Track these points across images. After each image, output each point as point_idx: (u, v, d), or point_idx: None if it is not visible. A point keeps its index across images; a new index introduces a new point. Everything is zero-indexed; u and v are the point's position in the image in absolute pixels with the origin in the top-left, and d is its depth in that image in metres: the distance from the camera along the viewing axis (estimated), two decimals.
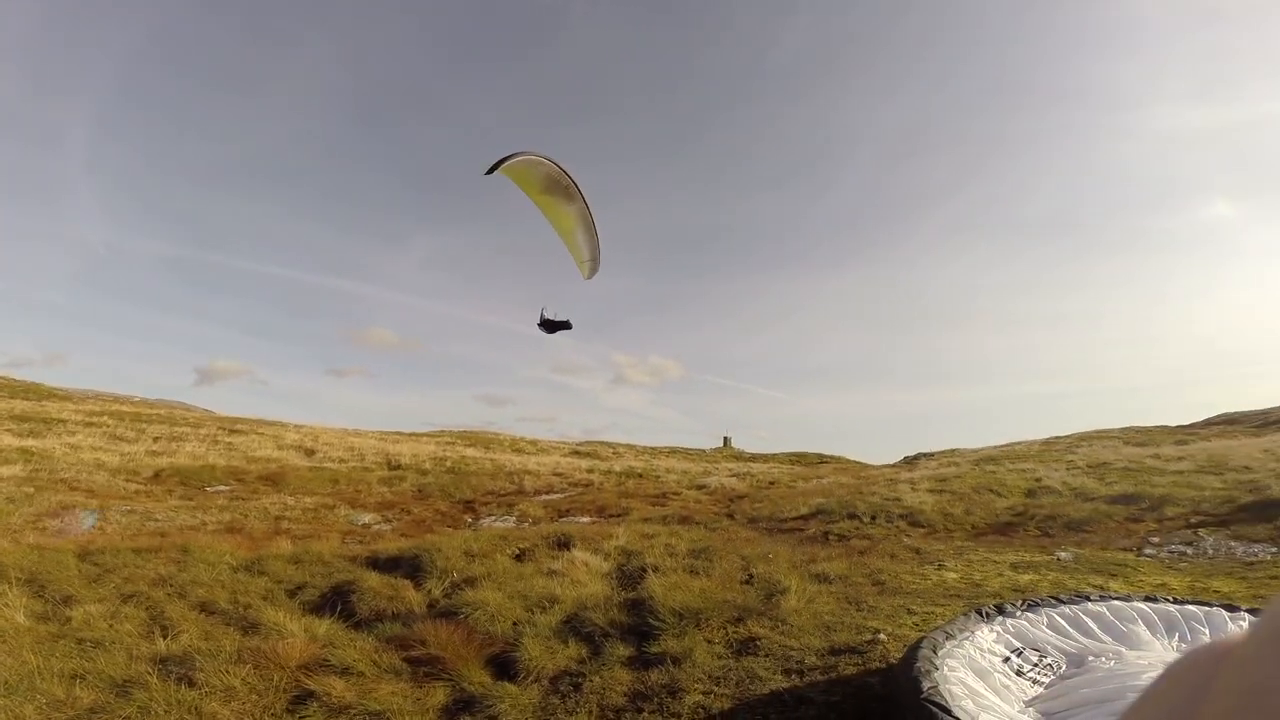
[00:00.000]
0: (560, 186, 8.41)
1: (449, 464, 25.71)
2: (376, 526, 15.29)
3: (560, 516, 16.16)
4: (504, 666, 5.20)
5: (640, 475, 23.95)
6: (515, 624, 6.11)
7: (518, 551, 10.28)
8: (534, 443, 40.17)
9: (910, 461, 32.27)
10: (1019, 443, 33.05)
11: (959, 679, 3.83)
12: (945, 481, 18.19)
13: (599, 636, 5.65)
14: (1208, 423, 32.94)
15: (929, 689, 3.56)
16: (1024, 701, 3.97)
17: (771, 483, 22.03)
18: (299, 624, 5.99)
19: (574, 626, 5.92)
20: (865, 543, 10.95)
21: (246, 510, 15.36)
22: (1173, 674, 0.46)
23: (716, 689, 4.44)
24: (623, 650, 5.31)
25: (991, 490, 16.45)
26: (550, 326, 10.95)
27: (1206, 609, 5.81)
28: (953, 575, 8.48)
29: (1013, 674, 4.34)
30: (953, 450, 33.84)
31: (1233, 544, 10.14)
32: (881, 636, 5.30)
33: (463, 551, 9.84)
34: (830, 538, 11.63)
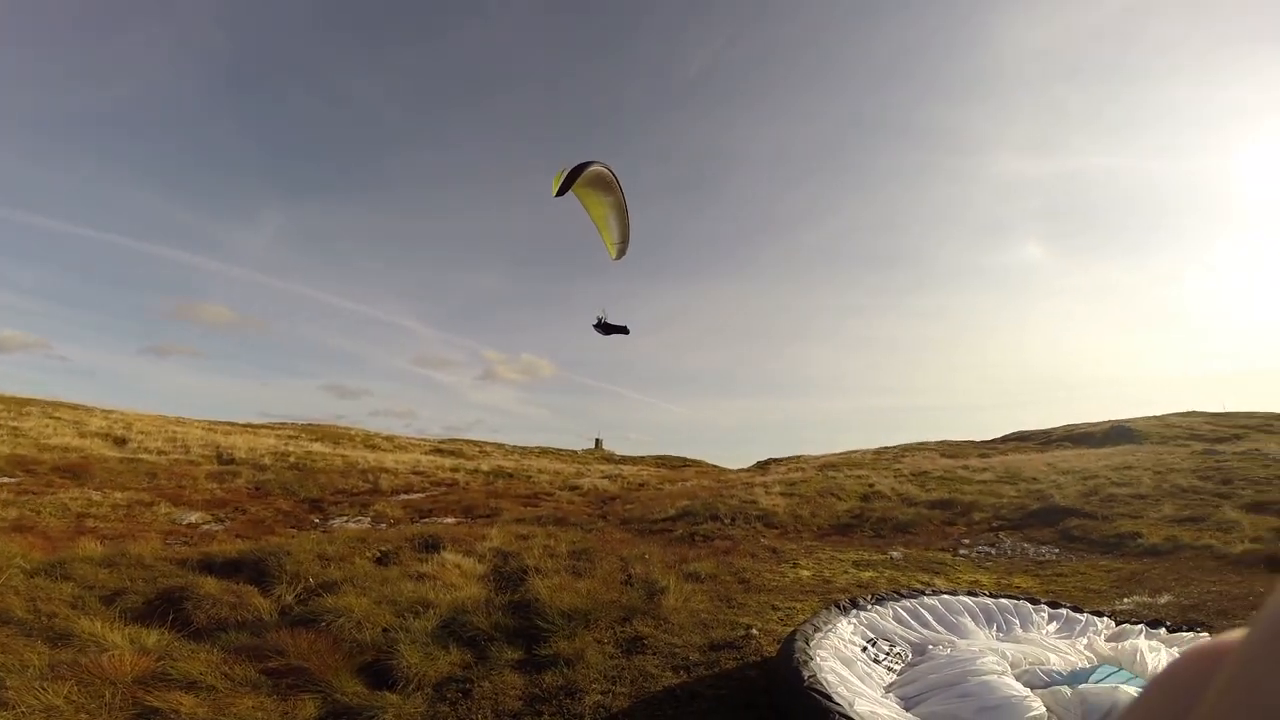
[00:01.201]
0: (604, 182, 8.64)
1: (292, 459, 23.37)
2: (206, 526, 13.50)
3: (422, 517, 15.33)
4: (380, 675, 4.86)
5: (511, 475, 23.41)
6: (386, 630, 5.72)
7: (379, 554, 9.64)
8: (391, 439, 37.72)
9: (763, 466, 34.61)
10: (855, 451, 36.73)
11: (831, 668, 4.22)
12: (794, 486, 19.70)
13: (483, 640, 5.47)
14: (1005, 439, 38.68)
15: (809, 678, 3.88)
16: (883, 688, 4.44)
17: (641, 485, 22.56)
18: (121, 634, 5.17)
19: (453, 631, 5.67)
20: (728, 543, 11.58)
21: (39, 506, 12.87)
22: (1169, 673, 0.45)
23: (614, 688, 4.49)
24: (511, 653, 5.19)
25: (833, 494, 18.08)
26: (606, 329, 11.29)
27: (1015, 601, 6.87)
28: (806, 573, 9.25)
29: (871, 662, 4.84)
30: (799, 456, 36.78)
31: (1025, 545, 12.04)
32: (754, 632, 5.67)
33: (316, 554, 9.05)
34: (696, 538, 12.16)
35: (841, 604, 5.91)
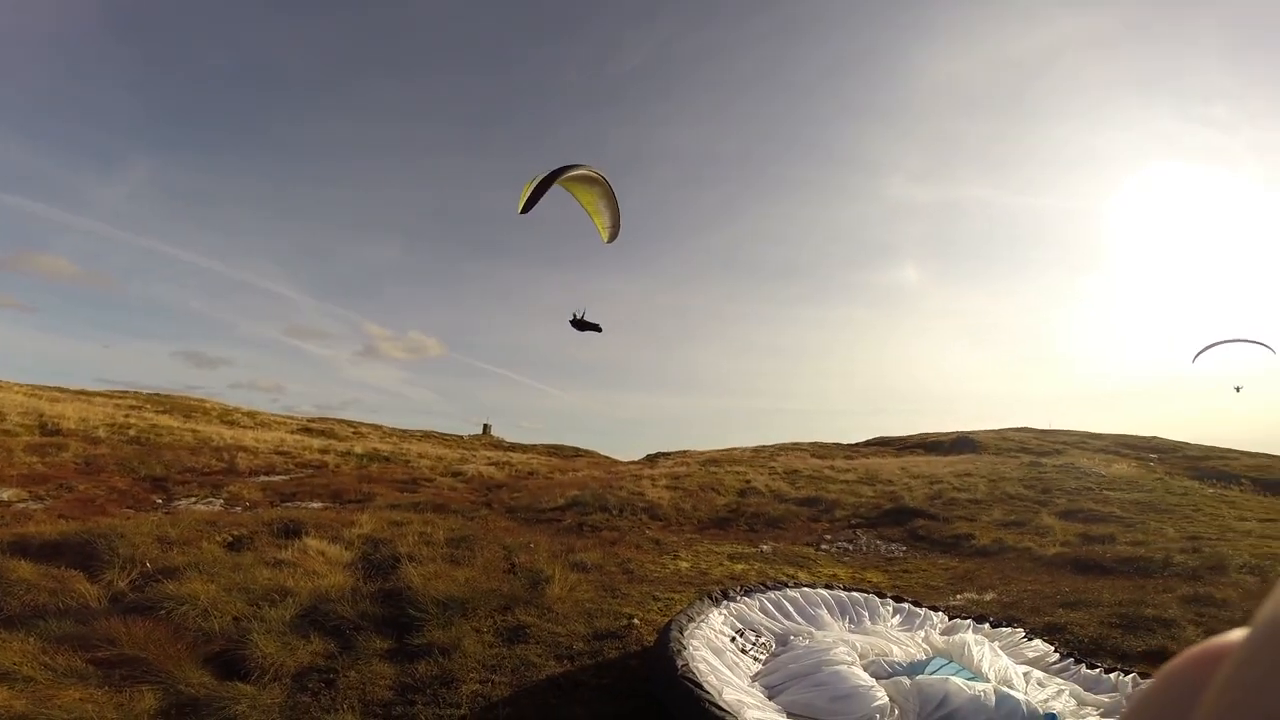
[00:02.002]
0: (588, 179, 8.91)
1: (133, 432, 20.75)
2: (21, 505, 11.67)
3: (284, 501, 14.20)
4: (230, 666, 4.52)
5: (387, 459, 22.22)
6: (237, 619, 5.30)
7: (232, 539, 8.91)
8: (252, 414, 34.48)
9: (651, 459, 35.38)
10: (736, 448, 38.48)
11: (703, 657, 4.44)
12: (679, 480, 20.33)
13: (348, 630, 5.21)
14: (868, 443, 42.08)
15: (682, 667, 4.06)
16: (750, 677, 4.74)
17: (530, 473, 22.27)
18: None
19: (315, 620, 5.35)
20: (615, 534, 11.77)
21: None
22: (1168, 674, 0.43)
23: (494, 677, 4.44)
24: (380, 643, 4.98)
25: (714, 489, 18.86)
26: (581, 325, 11.40)
27: (865, 595, 7.54)
28: (685, 565, 9.63)
29: (740, 652, 5.14)
30: (685, 451, 37.96)
31: (879, 543, 13.22)
32: (635, 621, 5.83)
33: (156, 537, 8.24)
34: (585, 529, 12.24)
35: (714, 595, 6.22)
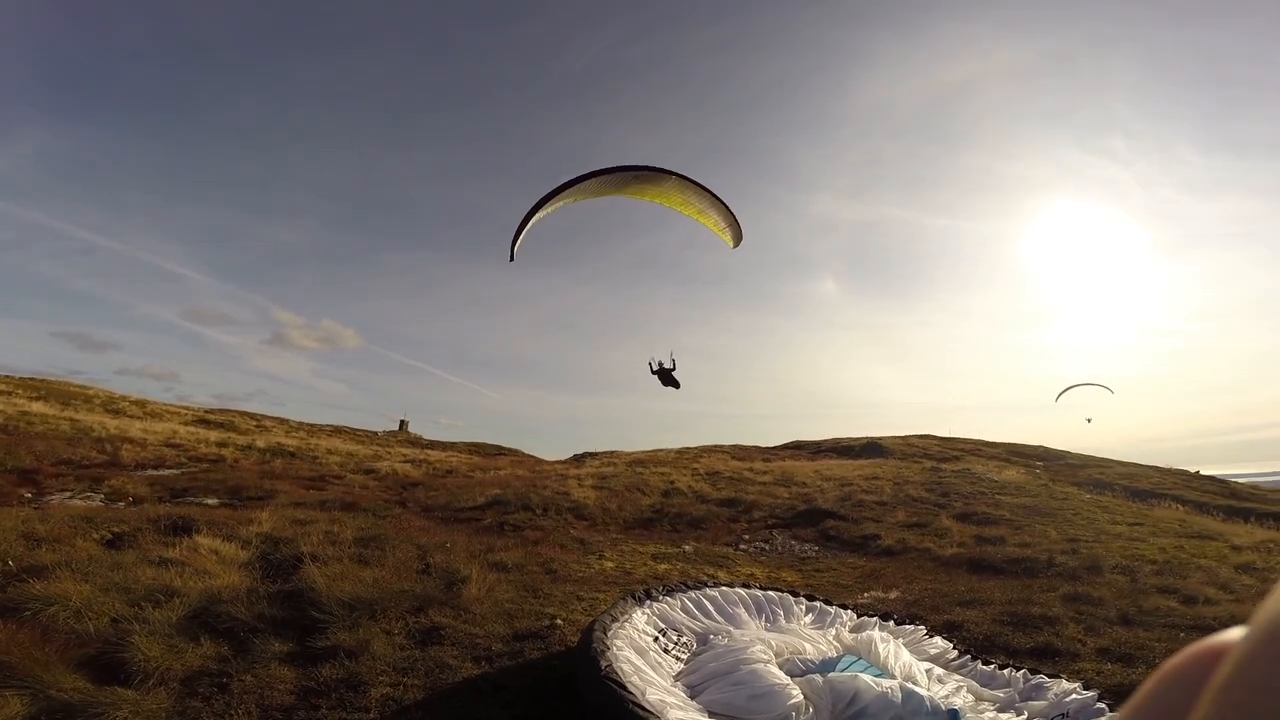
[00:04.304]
0: (633, 178, 7.81)
1: None
2: None
3: (176, 497, 13.07)
4: (109, 670, 4.12)
5: (293, 454, 20.89)
6: (116, 621, 4.84)
7: (111, 536, 8.16)
8: (141, 404, 31.53)
9: (579, 459, 35.12)
10: (662, 450, 38.87)
11: (626, 658, 4.42)
12: (605, 480, 20.29)
13: (243, 632, 4.86)
14: (784, 446, 43.58)
15: (606, 668, 4.02)
16: (673, 677, 4.77)
17: (449, 471, 21.55)
18: None
19: (205, 622, 4.97)
20: (538, 533, 11.57)
21: None
22: (1166, 673, 0.42)
23: (405, 680, 4.24)
24: (279, 646, 4.67)
25: (639, 490, 18.96)
26: (665, 378, 10.58)
27: (780, 594, 7.78)
28: (610, 564, 9.60)
29: (662, 652, 5.17)
30: (613, 452, 37.97)
31: (793, 542, 13.69)
32: (558, 622, 5.74)
33: (20, 534, 7.46)
34: (506, 528, 11.96)
35: (637, 595, 6.24)
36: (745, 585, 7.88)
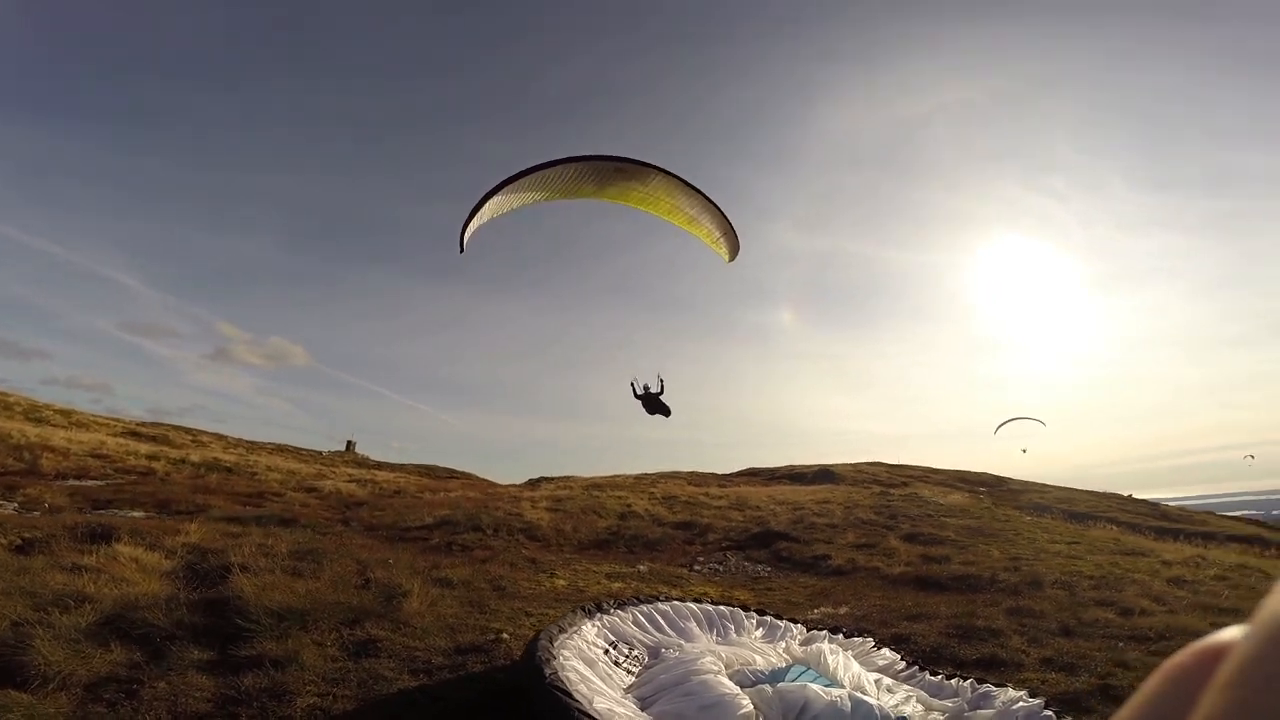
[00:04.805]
0: (616, 172, 6.70)
1: None
2: None
3: (99, 509, 12.20)
4: (5, 673, 3.78)
5: (229, 470, 19.83)
6: (18, 625, 4.43)
7: (21, 542, 7.60)
8: (67, 413, 29.57)
9: (534, 483, 34.49)
10: (619, 475, 38.60)
11: (573, 667, 4.26)
12: (560, 502, 19.95)
13: (159, 639, 4.53)
14: (740, 473, 43.87)
15: (551, 675, 3.86)
16: (623, 689, 4.62)
17: (397, 492, 20.80)
18: None
19: (118, 628, 4.63)
20: (488, 553, 11.22)
21: None
22: (1168, 670, 0.43)
23: (335, 690, 3.98)
24: (199, 654, 4.36)
25: (595, 512, 18.69)
26: (651, 404, 9.55)
27: (731, 609, 7.74)
28: (562, 582, 9.35)
29: (613, 664, 5.02)
30: (569, 476, 37.47)
31: (746, 563, 13.68)
32: (504, 636, 5.51)
33: None
34: (454, 548, 11.54)
35: (587, 607, 6.08)
36: (697, 601, 7.80)
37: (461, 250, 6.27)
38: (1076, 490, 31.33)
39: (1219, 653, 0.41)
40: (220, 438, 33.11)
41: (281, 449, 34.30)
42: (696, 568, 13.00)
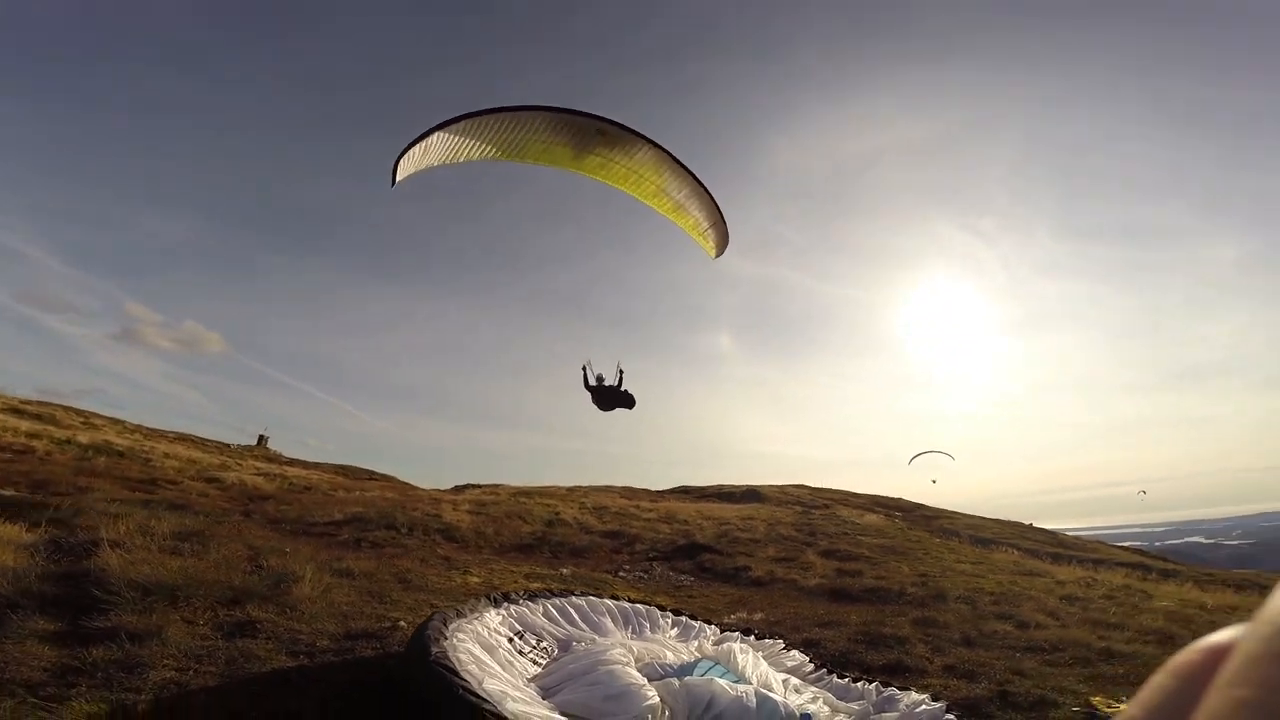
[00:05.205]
0: (597, 136, 5.65)
1: None
2: None
3: None
4: None
5: (121, 454, 18.22)
6: None
7: None
8: None
9: (460, 489, 33.43)
10: (552, 485, 38.00)
11: (468, 649, 4.05)
12: (484, 506, 19.37)
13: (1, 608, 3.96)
14: (672, 490, 44.12)
15: (437, 653, 3.66)
16: (526, 679, 4.44)
17: (307, 488, 19.65)
18: None
19: None
20: (400, 550, 10.69)
21: None
22: (1173, 668, 0.43)
23: (198, 666, 3.64)
24: (44, 624, 3.92)
25: (521, 518, 18.25)
26: (606, 396, 7.98)
27: (648, 607, 7.67)
28: (476, 580, 9.00)
29: (516, 653, 4.82)
30: (498, 485, 36.54)
31: (671, 573, 13.65)
32: (402, 624, 5.21)
33: None
34: (363, 544, 10.93)
35: (494, 597, 5.87)
36: (614, 598, 7.69)
37: (392, 183, 5.45)
38: (983, 518, 33.25)
39: (1223, 651, 0.42)
40: (117, 422, 30.46)
41: (184, 438, 31.86)
42: (622, 574, 12.85)
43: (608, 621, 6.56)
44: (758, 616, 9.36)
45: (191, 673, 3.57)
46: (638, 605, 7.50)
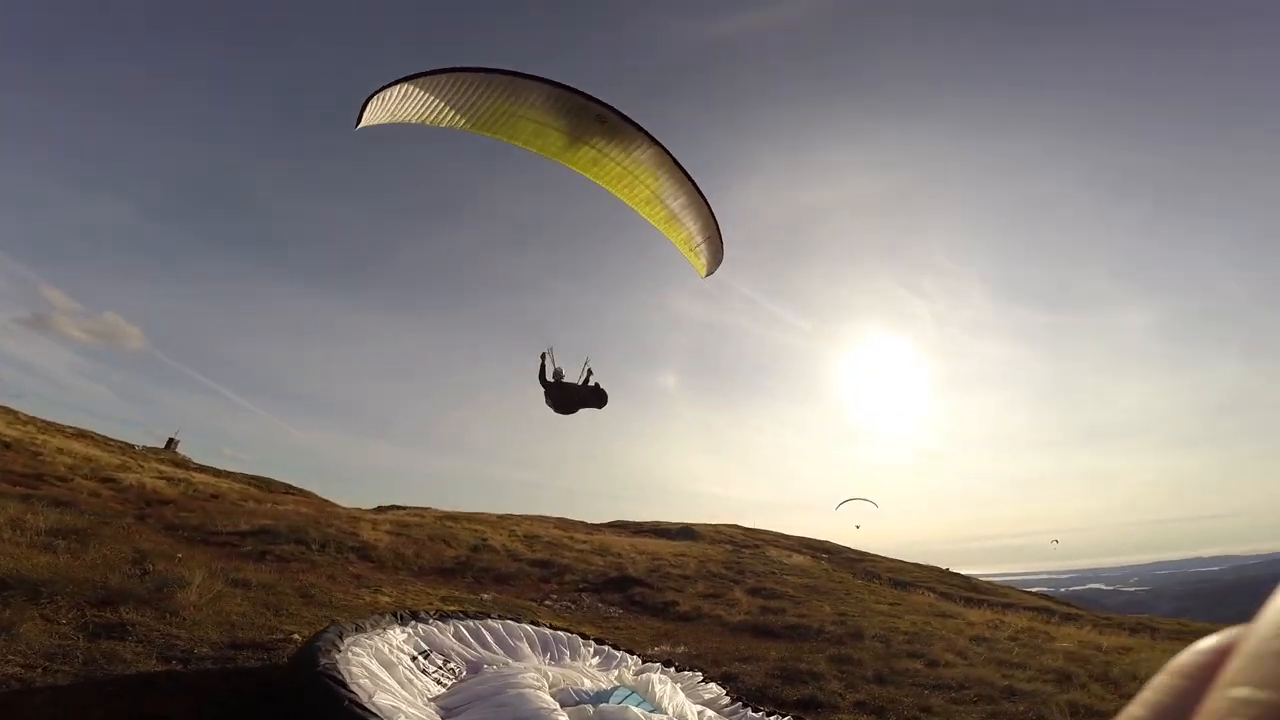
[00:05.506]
0: (595, 123, 4.90)
1: None
2: None
3: None
4: None
5: (7, 445, 16.60)
6: None
7: None
8: None
9: (382, 510, 31.93)
10: (482, 512, 36.82)
11: (362, 664, 3.79)
12: (407, 528, 18.55)
13: None
14: (609, 524, 43.53)
15: (325, 664, 3.41)
16: (426, 698, 4.18)
17: (214, 496, 18.33)
18: None
19: None
20: (306, 566, 10.03)
21: None
22: (1175, 668, 0.44)
23: (52, 665, 3.24)
24: None
25: (444, 541, 17.55)
26: (566, 397, 6.48)
27: (569, 635, 7.45)
28: (387, 599, 8.52)
29: (419, 672, 4.55)
30: (426, 507, 35.13)
31: (600, 605, 13.37)
32: (295, 638, 4.84)
33: None
34: (268, 557, 10.19)
35: (400, 613, 5.57)
36: (534, 623, 7.44)
37: (357, 123, 4.57)
38: (904, 562, 34.38)
39: (1225, 651, 0.43)
40: (9, 412, 27.78)
41: (85, 434, 29.33)
42: (548, 603, 12.47)
43: (524, 646, 6.30)
44: (680, 649, 9.23)
45: (40, 670, 3.18)
46: (559, 632, 7.27)
